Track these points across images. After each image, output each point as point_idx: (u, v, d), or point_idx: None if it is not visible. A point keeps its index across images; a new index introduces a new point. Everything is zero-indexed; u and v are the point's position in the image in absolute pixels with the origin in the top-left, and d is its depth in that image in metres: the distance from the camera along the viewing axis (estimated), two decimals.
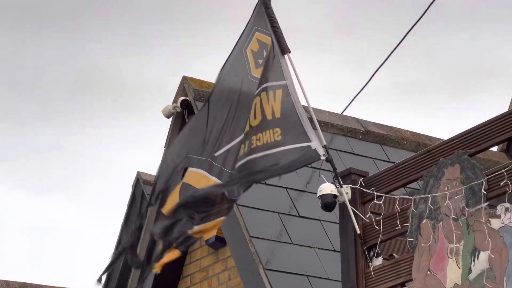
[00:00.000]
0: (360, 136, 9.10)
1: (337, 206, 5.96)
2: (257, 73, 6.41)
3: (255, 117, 6.14)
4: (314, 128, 6.17)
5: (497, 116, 5.21)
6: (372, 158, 8.61)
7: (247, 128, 6.17)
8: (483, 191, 4.58)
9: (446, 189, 4.95)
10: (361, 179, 5.89)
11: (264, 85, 6.16)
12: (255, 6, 6.65)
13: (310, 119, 6.32)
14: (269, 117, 6.13)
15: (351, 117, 9.35)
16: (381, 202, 5.52)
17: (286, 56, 6.37)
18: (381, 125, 9.63)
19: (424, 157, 5.61)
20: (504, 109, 8.97)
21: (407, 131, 10.00)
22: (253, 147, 6.10)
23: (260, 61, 6.46)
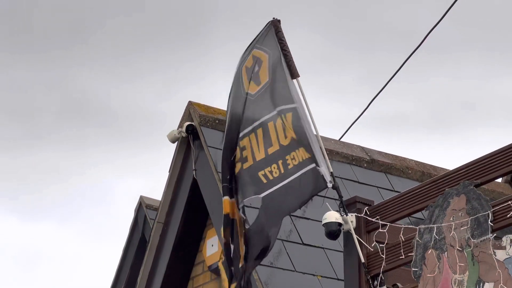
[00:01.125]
0: (365, 165, 9.08)
1: (341, 234, 5.96)
2: (251, 89, 6.47)
3: (271, 144, 6.13)
4: (324, 154, 6.17)
5: (502, 148, 5.19)
6: (377, 187, 8.57)
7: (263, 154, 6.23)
8: (489, 222, 4.57)
9: (451, 219, 4.95)
10: (366, 207, 5.82)
11: (278, 109, 6.11)
12: (263, 28, 6.58)
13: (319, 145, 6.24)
14: (283, 142, 6.12)
15: (356, 145, 9.34)
16: (385, 231, 5.58)
17: (295, 80, 6.23)
18: (386, 153, 9.61)
19: (430, 187, 5.56)
20: (508, 140, 8.98)
21: (412, 160, 9.97)
22: (273, 176, 6.12)
23: (251, 75, 6.55)
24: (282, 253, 7.86)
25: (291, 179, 6.00)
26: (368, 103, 10.01)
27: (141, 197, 11.56)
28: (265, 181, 6.18)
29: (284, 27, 6.41)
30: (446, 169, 7.34)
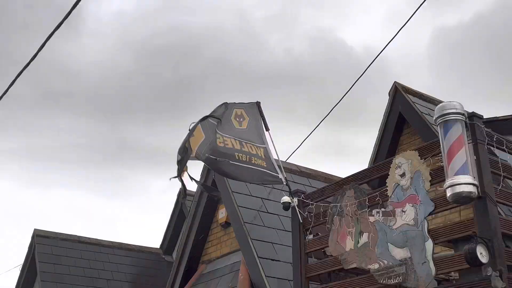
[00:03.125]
0: (299, 174, 9.83)
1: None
2: (239, 124, 7.09)
3: (251, 149, 6.91)
4: (279, 167, 7.04)
5: (372, 166, 6.19)
6: (306, 185, 9.28)
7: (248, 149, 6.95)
8: (366, 203, 5.74)
9: (347, 201, 5.98)
10: (302, 195, 6.78)
11: (255, 142, 7.01)
12: (247, 102, 7.30)
13: (278, 163, 7.13)
14: (260, 154, 6.93)
15: (296, 164, 10.05)
16: (313, 207, 6.58)
17: (267, 132, 7.15)
18: (310, 168, 10.28)
19: (335, 185, 6.61)
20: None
21: (325, 172, 10.65)
22: (248, 160, 6.85)
23: (240, 120, 7.13)
24: (257, 217, 8.82)
25: (253, 167, 6.87)
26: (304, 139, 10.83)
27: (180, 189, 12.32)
28: (236, 158, 6.76)
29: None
30: (341, 177, 7.83)
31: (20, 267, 15.21)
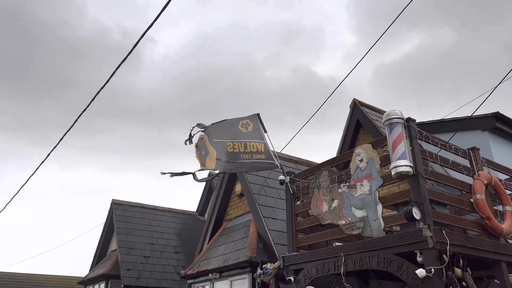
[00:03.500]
0: (289, 161, 9.65)
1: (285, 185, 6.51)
2: (245, 129, 6.77)
3: (253, 148, 6.61)
4: (275, 156, 6.71)
5: (340, 154, 6.13)
6: (294, 168, 9.04)
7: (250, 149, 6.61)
8: (336, 179, 5.65)
9: (323, 177, 5.88)
10: (292, 174, 6.60)
11: (257, 140, 6.71)
12: (249, 115, 6.91)
13: (274, 153, 6.74)
14: (261, 149, 6.62)
15: (287, 154, 9.84)
16: (300, 182, 6.43)
17: (265, 133, 6.82)
18: (296, 157, 10.13)
19: (314, 168, 6.39)
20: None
21: (307, 160, 10.55)
22: (250, 157, 6.58)
23: (246, 126, 6.82)
24: (262, 190, 8.72)
25: (254, 162, 6.58)
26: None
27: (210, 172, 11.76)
28: (241, 157, 6.51)
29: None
30: (317, 162, 7.68)
31: (103, 225, 15.21)
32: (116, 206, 14.42)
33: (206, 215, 11.31)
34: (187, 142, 6.42)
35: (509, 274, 4.85)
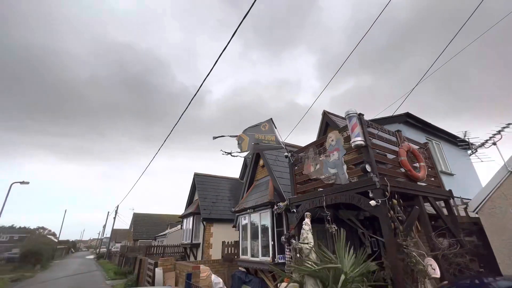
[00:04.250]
0: (290, 146, 8.90)
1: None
2: (264, 129, 6.24)
3: (269, 138, 6.06)
4: (283, 142, 6.17)
5: (319, 138, 5.67)
6: (292, 149, 7.96)
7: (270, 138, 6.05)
8: (318, 152, 5.16)
9: (310, 152, 5.40)
10: (292, 152, 6.01)
11: (271, 134, 6.15)
12: (267, 120, 6.27)
13: (281, 140, 6.19)
14: (273, 139, 6.11)
15: (288, 142, 9.26)
16: (296, 156, 5.86)
17: (276, 130, 6.22)
18: (293, 144, 10.22)
19: (304, 147, 5.72)
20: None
21: (299, 145, 9.43)
22: (268, 142, 6.03)
23: (265, 126, 6.27)
24: (275, 162, 8.21)
25: (270, 144, 6.00)
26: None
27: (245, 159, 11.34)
28: (263, 142, 5.95)
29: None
30: (301, 146, 6.59)
31: (190, 189, 15.02)
32: (197, 176, 14.29)
33: (244, 179, 11.06)
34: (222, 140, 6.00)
35: (425, 204, 4.41)
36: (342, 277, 2.86)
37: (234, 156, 5.81)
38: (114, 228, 35.18)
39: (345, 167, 4.46)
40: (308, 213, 4.20)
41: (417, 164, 4.81)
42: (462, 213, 5.51)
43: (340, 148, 4.66)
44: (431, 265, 3.32)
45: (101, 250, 39.36)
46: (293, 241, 4.35)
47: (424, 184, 4.83)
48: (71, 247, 55.73)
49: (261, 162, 8.93)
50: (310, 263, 3.09)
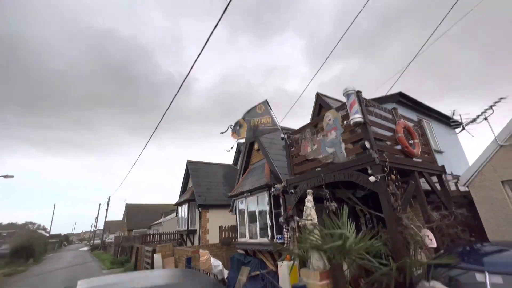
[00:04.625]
0: (286, 130, 8.53)
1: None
2: (260, 110, 6.00)
3: (265, 120, 5.88)
4: (278, 124, 5.99)
5: (315, 118, 5.27)
6: (289, 131, 7.70)
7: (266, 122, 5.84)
8: (315, 132, 5.09)
9: (306, 133, 5.35)
10: (288, 133, 5.95)
11: (267, 115, 5.93)
12: (262, 101, 6.04)
13: (277, 122, 6.01)
14: (269, 121, 5.89)
15: (284, 126, 8.79)
16: (293, 137, 5.79)
17: (271, 111, 5.95)
18: (288, 127, 10.18)
19: (301, 127, 5.69)
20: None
21: (294, 128, 10.61)
22: (264, 125, 5.82)
23: (261, 108, 6.01)
24: (270, 144, 8.17)
25: (266, 128, 5.80)
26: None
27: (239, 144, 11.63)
28: (259, 126, 5.73)
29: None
30: (295, 129, 6.59)
31: (183, 176, 14.89)
32: (190, 163, 14.15)
33: (239, 164, 10.98)
34: (225, 132, 5.69)
35: (420, 179, 4.49)
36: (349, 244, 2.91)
37: (236, 141, 5.49)
38: (107, 220, 34.91)
39: (343, 145, 4.44)
40: (310, 191, 4.20)
41: (411, 141, 4.86)
42: (453, 188, 5.71)
43: (338, 127, 4.62)
44: (428, 236, 3.46)
45: (95, 241, 39.15)
46: (297, 218, 4.36)
47: (419, 160, 4.91)
48: (64, 240, 55.19)
49: (256, 146, 8.86)
50: (315, 237, 3.14)
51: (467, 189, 4.97)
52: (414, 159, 4.59)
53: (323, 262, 3.00)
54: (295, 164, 5.72)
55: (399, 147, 4.51)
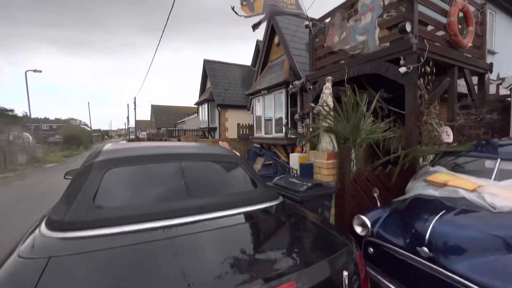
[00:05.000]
0: (308, 18, 6.44)
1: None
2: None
3: (288, 0, 4.70)
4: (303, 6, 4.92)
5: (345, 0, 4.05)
6: (314, 20, 5.74)
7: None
8: (346, 16, 4.25)
9: (336, 18, 4.49)
10: (313, 20, 5.05)
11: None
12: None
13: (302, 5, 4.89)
14: (293, 1, 4.73)
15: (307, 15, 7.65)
16: (318, 24, 5.00)
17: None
18: (313, 17, 8.67)
19: (330, 12, 4.75)
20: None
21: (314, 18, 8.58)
22: (286, 5, 4.71)
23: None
24: (293, 37, 7.22)
25: (288, 10, 4.72)
26: None
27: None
28: (281, 4, 4.57)
29: None
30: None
31: (201, 76, 14.67)
32: (207, 62, 13.68)
33: (257, 62, 10.39)
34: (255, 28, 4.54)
35: (459, 80, 4.01)
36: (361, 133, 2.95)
37: (246, 16, 4.52)
38: (137, 119, 37.96)
39: (377, 31, 3.82)
40: (329, 78, 3.93)
41: (464, 29, 4.03)
42: (492, 92, 5.16)
43: (376, 7, 3.86)
44: (446, 132, 3.34)
45: (130, 136, 44.31)
46: (312, 104, 4.29)
47: (466, 55, 4.22)
48: (105, 134, 63.14)
49: (276, 39, 8.10)
50: (328, 122, 3.18)
51: (508, 92, 4.53)
52: (459, 51, 3.95)
53: (332, 145, 3.09)
54: (317, 58, 5.24)
55: (441, 33, 3.90)
